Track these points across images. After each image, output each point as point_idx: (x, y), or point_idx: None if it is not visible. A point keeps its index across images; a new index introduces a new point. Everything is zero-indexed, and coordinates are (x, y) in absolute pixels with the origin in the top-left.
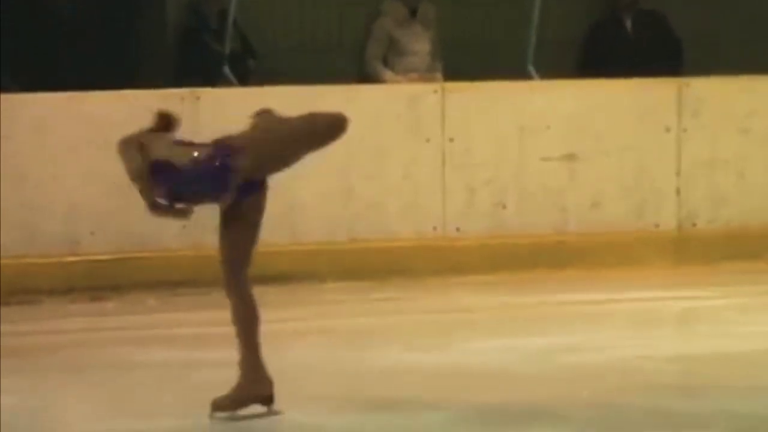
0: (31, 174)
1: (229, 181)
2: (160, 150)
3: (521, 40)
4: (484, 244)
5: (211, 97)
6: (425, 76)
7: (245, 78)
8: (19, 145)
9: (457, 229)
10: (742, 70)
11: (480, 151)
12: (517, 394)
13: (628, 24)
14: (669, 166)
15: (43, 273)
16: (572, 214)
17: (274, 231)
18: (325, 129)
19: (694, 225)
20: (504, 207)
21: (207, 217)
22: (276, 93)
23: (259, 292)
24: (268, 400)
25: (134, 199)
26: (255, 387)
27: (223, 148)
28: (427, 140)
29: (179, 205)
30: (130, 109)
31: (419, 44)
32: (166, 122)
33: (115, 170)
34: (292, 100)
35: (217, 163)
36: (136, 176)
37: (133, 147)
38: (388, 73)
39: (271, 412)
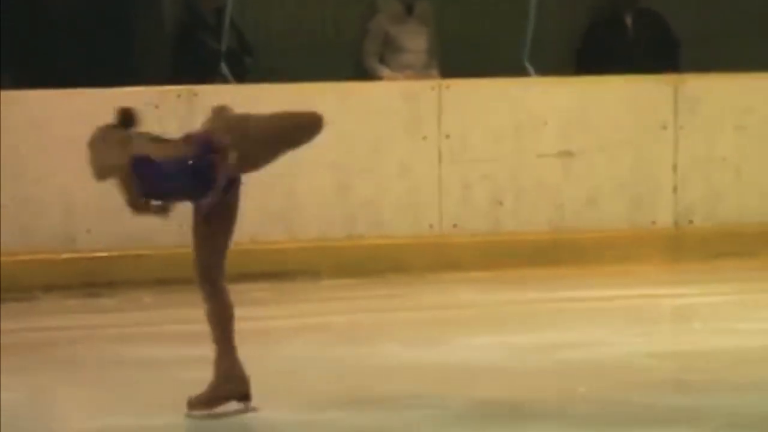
0: (28, 171)
1: (214, 179)
2: (141, 146)
3: (518, 36)
4: (481, 241)
5: (208, 94)
6: (422, 73)
7: (242, 75)
8: (16, 142)
9: (454, 226)
10: (738, 68)
11: (476, 147)
12: (514, 390)
13: (629, 22)
14: (666, 163)
15: (39, 270)
16: (569, 210)
17: (271, 227)
18: (302, 128)
19: (691, 222)
20: (500, 203)
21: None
22: (273, 90)
23: (255, 289)
24: (244, 397)
25: None
26: (230, 385)
27: (206, 145)
28: (424, 137)
29: (156, 203)
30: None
31: (416, 41)
32: (127, 118)
33: None
34: (288, 98)
35: (204, 161)
36: (108, 173)
37: (110, 143)
38: (384, 71)
39: (247, 410)
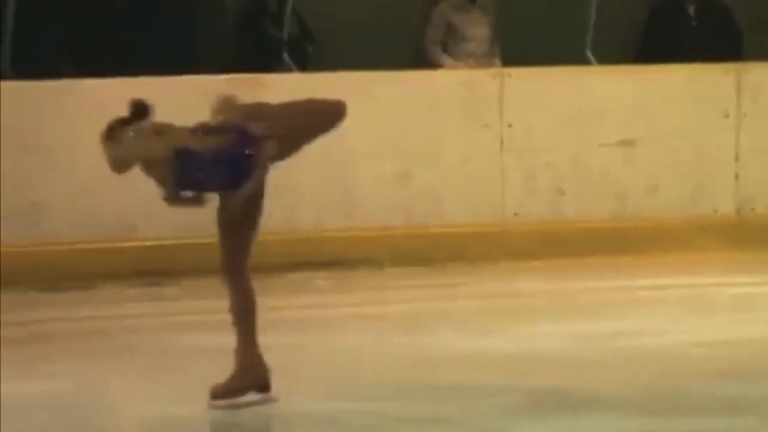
0: (84, 159)
1: (251, 169)
2: (180, 137)
3: (580, 25)
4: (542, 230)
5: (274, 82)
6: (484, 61)
7: (303, 64)
8: (76, 130)
9: (515, 215)
10: None
11: (538, 136)
12: (573, 379)
13: (692, 10)
14: (728, 151)
15: (99, 259)
16: (630, 199)
17: (330, 215)
18: (325, 116)
19: (753, 210)
20: (562, 192)
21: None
22: (334, 79)
23: (315, 277)
24: (264, 387)
25: None
26: (251, 375)
27: (243, 135)
28: (486, 126)
29: (187, 194)
30: (193, 94)
31: (478, 30)
32: (140, 110)
33: None
34: (350, 86)
35: (242, 152)
36: (128, 165)
37: (140, 135)
38: (447, 59)
39: (268, 400)
